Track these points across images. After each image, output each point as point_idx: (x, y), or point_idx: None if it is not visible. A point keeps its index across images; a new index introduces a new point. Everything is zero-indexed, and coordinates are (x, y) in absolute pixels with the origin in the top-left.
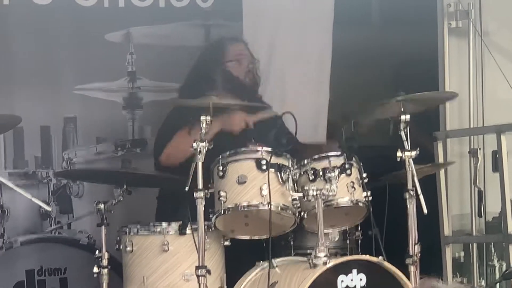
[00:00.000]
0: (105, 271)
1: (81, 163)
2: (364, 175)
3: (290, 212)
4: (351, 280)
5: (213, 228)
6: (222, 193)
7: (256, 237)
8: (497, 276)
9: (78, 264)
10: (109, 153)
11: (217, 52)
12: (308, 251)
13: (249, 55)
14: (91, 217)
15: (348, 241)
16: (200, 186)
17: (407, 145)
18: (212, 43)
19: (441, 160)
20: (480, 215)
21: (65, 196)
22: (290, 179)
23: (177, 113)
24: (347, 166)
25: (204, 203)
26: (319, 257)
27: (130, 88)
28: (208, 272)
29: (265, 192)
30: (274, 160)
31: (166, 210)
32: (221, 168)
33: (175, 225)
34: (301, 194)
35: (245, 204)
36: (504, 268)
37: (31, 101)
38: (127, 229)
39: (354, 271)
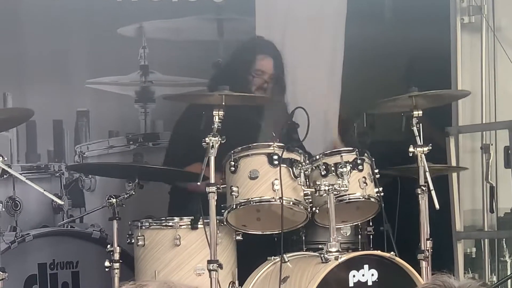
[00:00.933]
0: (116, 265)
1: (93, 157)
2: (376, 170)
3: (301, 207)
4: (363, 275)
5: (225, 223)
6: (234, 188)
7: (267, 232)
8: (509, 272)
9: (90, 257)
10: (121, 147)
11: (248, 61)
12: (320, 246)
13: (271, 74)
14: (103, 211)
15: (359, 237)
16: (212, 180)
17: (419, 141)
18: (244, 49)
19: (453, 155)
20: (492, 211)
21: (78, 190)
22: (302, 174)
23: (194, 110)
24: (359, 161)
25: (216, 198)
26: (330, 252)
27: (143, 82)
28: (220, 266)
29: (277, 187)
30: (286, 155)
31: (178, 204)
32: (233, 163)
33: (187, 220)
34: (313, 189)
35: (257, 199)
36: None
37: (44, 95)
38: (139, 223)
39: (366, 266)
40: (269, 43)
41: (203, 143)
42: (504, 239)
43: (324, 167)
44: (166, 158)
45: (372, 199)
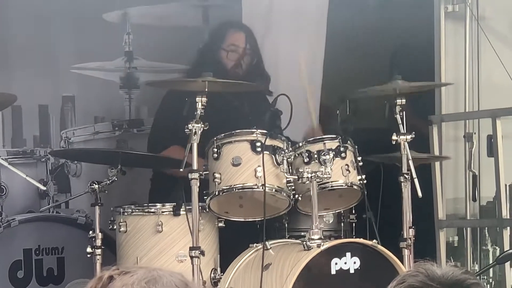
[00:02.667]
0: (98, 251)
1: (79, 143)
2: (359, 158)
3: (284, 194)
4: (345, 263)
5: (207, 210)
6: (217, 175)
7: (250, 219)
8: (491, 261)
9: (75, 243)
10: (106, 133)
11: (219, 36)
12: (302, 234)
13: (245, 48)
14: (88, 196)
15: (342, 224)
16: (195, 167)
17: (402, 129)
18: (215, 26)
19: (436, 144)
20: (474, 200)
21: (63, 176)
22: (285, 161)
23: (173, 96)
24: (342, 149)
25: (198, 184)
26: (313, 239)
27: (127, 68)
28: (202, 253)
29: (259, 174)
30: (269, 142)
31: (159, 191)
32: (215, 149)
33: (169, 206)
34: (295, 177)
35: (239, 185)
36: (497, 253)
37: (29, 80)
38: (121, 209)
39: (348, 254)
40: (237, 21)
41: (186, 130)
42: (486, 228)
43: (307, 154)
44: (148, 144)
45: (355, 187)
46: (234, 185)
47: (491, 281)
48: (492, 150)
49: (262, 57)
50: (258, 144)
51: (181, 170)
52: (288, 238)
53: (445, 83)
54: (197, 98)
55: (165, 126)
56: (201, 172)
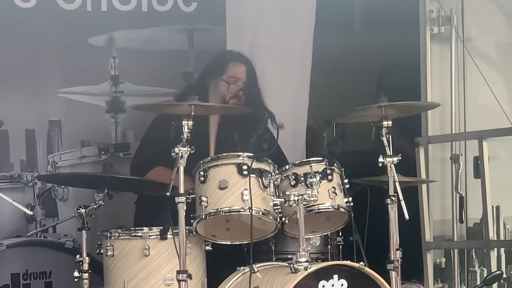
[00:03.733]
0: (85, 275)
1: (66, 167)
2: (346, 180)
3: (271, 217)
4: (332, 285)
5: (194, 233)
6: (204, 198)
7: (237, 242)
8: (478, 282)
9: (63, 267)
10: (93, 157)
11: (220, 66)
12: (289, 256)
13: (245, 81)
14: (76, 220)
15: (329, 247)
16: (181, 191)
17: (389, 151)
18: (218, 55)
19: (422, 166)
20: (461, 221)
21: (50, 200)
22: (272, 184)
23: (161, 120)
24: (328, 171)
25: (185, 208)
26: (300, 262)
27: (113, 92)
28: (189, 276)
29: (246, 197)
30: (255, 165)
31: (144, 215)
32: (202, 173)
33: (156, 230)
34: (282, 199)
35: (226, 209)
36: (485, 274)
37: (16, 104)
38: (108, 233)
39: (335, 276)
40: (238, 53)
41: (172, 153)
42: (473, 249)
43: (293, 177)
44: (131, 165)
45: (342, 209)
46: (220, 208)
47: None
48: (478, 172)
49: (261, 91)
50: (245, 167)
51: (167, 194)
52: (275, 261)
53: (431, 103)
54: (183, 122)
55: (151, 149)
56: (187, 196)
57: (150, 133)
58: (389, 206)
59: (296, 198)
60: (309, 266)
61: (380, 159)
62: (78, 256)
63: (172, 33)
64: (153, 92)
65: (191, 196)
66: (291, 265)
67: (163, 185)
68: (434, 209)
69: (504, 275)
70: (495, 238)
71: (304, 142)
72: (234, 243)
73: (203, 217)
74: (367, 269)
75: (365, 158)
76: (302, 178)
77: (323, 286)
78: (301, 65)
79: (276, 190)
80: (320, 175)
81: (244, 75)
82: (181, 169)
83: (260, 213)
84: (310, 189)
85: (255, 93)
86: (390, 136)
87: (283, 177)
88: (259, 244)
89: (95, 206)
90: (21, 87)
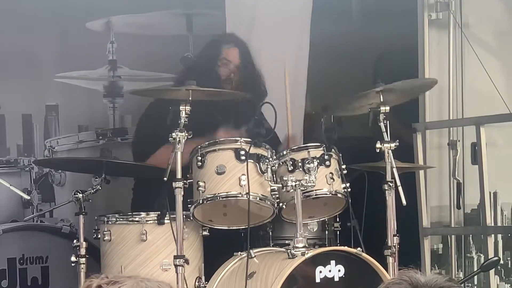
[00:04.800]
0: (82, 260)
1: (63, 152)
2: (343, 166)
3: (268, 202)
4: (329, 271)
5: (191, 218)
6: (201, 183)
7: (234, 227)
8: (475, 268)
9: (59, 252)
10: (90, 142)
11: (216, 49)
12: (287, 242)
13: (237, 64)
14: (73, 205)
15: (326, 232)
16: (179, 176)
17: (386, 137)
18: (213, 38)
19: (420, 152)
20: (458, 207)
21: (47, 185)
22: (269, 170)
23: (158, 104)
24: (326, 157)
25: (182, 193)
26: (297, 247)
27: (111, 77)
28: (186, 262)
29: (243, 182)
30: (253, 150)
31: (141, 200)
32: (200, 158)
33: (153, 215)
34: (280, 185)
35: (223, 194)
36: (482, 260)
37: (13, 89)
38: (105, 218)
39: (333, 262)
40: (235, 36)
41: (170, 139)
42: (470, 236)
43: (291, 162)
44: (133, 153)
45: (339, 195)
46: (218, 193)
47: None
48: (476, 158)
49: (260, 73)
50: (242, 152)
51: (164, 179)
52: (273, 246)
53: (428, 79)
54: (181, 107)
55: (150, 136)
56: (185, 181)
57: (145, 118)
58: (386, 192)
59: (293, 184)
60: (307, 252)
61: (378, 145)
62: (75, 241)
63: (170, 17)
64: (151, 77)
65: (188, 181)
66: (289, 250)
67: (161, 170)
68: (432, 195)
69: (501, 261)
70: (493, 224)
71: (301, 128)
72: (231, 228)
73: (201, 202)
74: (364, 254)
75: (363, 144)
76: (300, 164)
77: (320, 271)
78: (299, 51)
79: (274, 176)
80: (318, 161)
81: (237, 58)
82: (179, 154)
83: (258, 198)
84: (307, 175)
85: (251, 76)
86: (388, 122)
87: (281, 163)
88: (257, 230)
89: (92, 191)
90: (18, 71)
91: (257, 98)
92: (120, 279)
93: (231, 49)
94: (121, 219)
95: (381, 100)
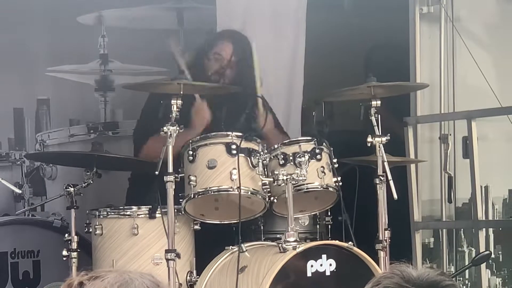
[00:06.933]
0: (74, 254)
1: (54, 145)
2: (335, 160)
3: (260, 196)
4: (321, 265)
5: (183, 212)
6: (192, 177)
7: (226, 222)
8: (467, 262)
9: (51, 246)
10: (82, 135)
11: (209, 43)
12: (278, 236)
13: (230, 59)
14: (64, 199)
15: (318, 226)
16: (170, 170)
17: (377, 131)
18: (212, 33)
19: (411, 146)
20: (450, 201)
21: (39, 178)
22: (260, 164)
23: (155, 99)
24: (317, 151)
25: (174, 187)
26: (288, 241)
27: (102, 71)
28: (178, 256)
29: (235, 176)
30: (244, 144)
31: (137, 192)
32: (191, 152)
33: (145, 209)
34: (271, 179)
35: (215, 188)
36: (473, 254)
37: (4, 83)
38: (97, 212)
39: (324, 256)
40: (232, 32)
41: (161, 133)
42: (462, 229)
43: (282, 156)
44: (134, 146)
45: (331, 189)
46: (209, 187)
47: (467, 283)
48: (467, 152)
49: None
50: (233, 146)
51: (156, 173)
52: (264, 240)
53: (420, 84)
54: (172, 101)
55: (148, 129)
56: (176, 175)
57: (144, 112)
58: (377, 186)
59: (284, 178)
60: (298, 246)
61: (369, 139)
62: (66, 235)
63: (161, 11)
64: (143, 71)
65: (179, 175)
66: (280, 244)
67: (153, 164)
68: (423, 189)
69: (493, 255)
70: (484, 218)
71: (299, 122)
72: (222, 222)
73: (192, 196)
74: (355, 249)
75: (354, 137)
76: (291, 158)
77: (312, 265)
78: (295, 45)
79: (265, 170)
80: (309, 155)
81: (230, 54)
82: (170, 148)
83: (249, 192)
84: (299, 169)
85: (246, 71)
86: (379, 115)
87: (272, 157)
88: (248, 224)
89: (83, 184)
90: (10, 65)
91: (250, 93)
92: (101, 274)
93: (225, 44)
94: (113, 213)
95: (372, 94)
